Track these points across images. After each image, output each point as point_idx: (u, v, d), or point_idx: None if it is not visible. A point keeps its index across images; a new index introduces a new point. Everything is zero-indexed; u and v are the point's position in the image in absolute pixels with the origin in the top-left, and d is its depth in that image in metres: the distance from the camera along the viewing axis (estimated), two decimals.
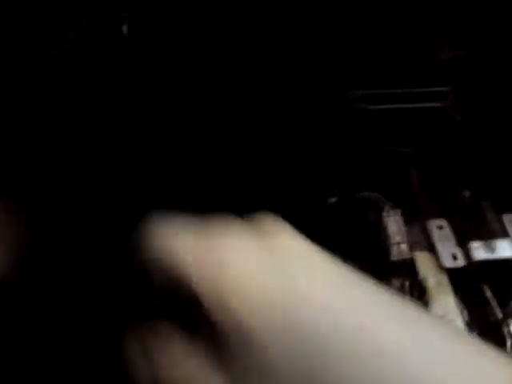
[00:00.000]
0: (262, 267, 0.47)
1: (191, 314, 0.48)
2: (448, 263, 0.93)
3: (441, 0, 1.16)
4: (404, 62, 1.19)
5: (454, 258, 0.93)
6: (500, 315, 0.90)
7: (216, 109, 1.08)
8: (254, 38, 1.12)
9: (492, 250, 0.93)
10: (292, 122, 1.13)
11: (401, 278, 0.96)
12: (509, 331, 0.88)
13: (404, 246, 0.97)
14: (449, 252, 0.94)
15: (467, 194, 1.08)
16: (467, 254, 0.93)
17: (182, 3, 1.06)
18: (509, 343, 0.87)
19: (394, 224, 0.99)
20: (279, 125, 1.12)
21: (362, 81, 1.18)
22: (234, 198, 1.02)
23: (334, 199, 1.09)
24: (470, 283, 0.94)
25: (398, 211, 1.01)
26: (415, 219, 1.02)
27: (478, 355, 0.46)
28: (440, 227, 0.97)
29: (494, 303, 0.91)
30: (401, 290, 0.96)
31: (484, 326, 0.91)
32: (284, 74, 1.14)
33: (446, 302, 0.89)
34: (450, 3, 1.16)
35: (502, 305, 0.92)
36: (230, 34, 1.12)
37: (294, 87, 1.15)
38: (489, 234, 0.98)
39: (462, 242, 0.95)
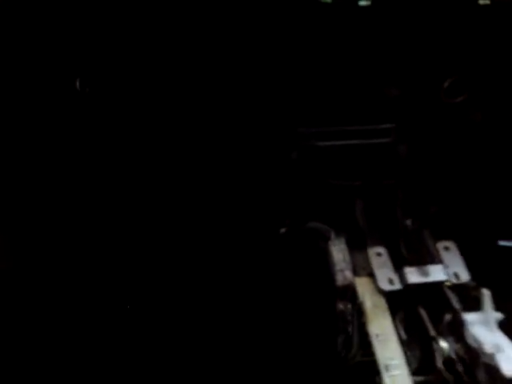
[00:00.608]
0: None
1: None
2: (385, 287, 1.01)
3: (385, 43, 1.25)
4: (352, 100, 1.28)
5: (391, 282, 1.02)
6: (433, 333, 0.98)
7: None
8: (202, 71, 1.19)
9: (426, 274, 1.02)
10: (246, 157, 1.21)
11: (345, 302, 1.04)
12: (440, 348, 0.96)
13: (348, 273, 1.05)
14: (386, 277, 1.02)
15: (409, 222, 1.17)
16: (403, 278, 1.01)
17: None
18: (439, 359, 0.95)
19: (338, 252, 1.08)
20: (233, 159, 1.20)
21: (312, 119, 1.26)
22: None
23: (284, 229, 1.18)
24: (406, 305, 1.02)
25: (343, 240, 1.09)
26: (360, 247, 1.11)
27: None
28: (379, 254, 1.05)
29: (428, 323, 0.99)
30: (345, 312, 1.04)
31: (420, 344, 0.99)
32: (239, 110, 1.22)
33: (381, 322, 0.97)
34: (394, 46, 1.25)
35: (436, 324, 1.00)
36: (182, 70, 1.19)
37: (249, 124, 1.23)
38: (426, 260, 1.06)
39: (400, 268, 1.04)
